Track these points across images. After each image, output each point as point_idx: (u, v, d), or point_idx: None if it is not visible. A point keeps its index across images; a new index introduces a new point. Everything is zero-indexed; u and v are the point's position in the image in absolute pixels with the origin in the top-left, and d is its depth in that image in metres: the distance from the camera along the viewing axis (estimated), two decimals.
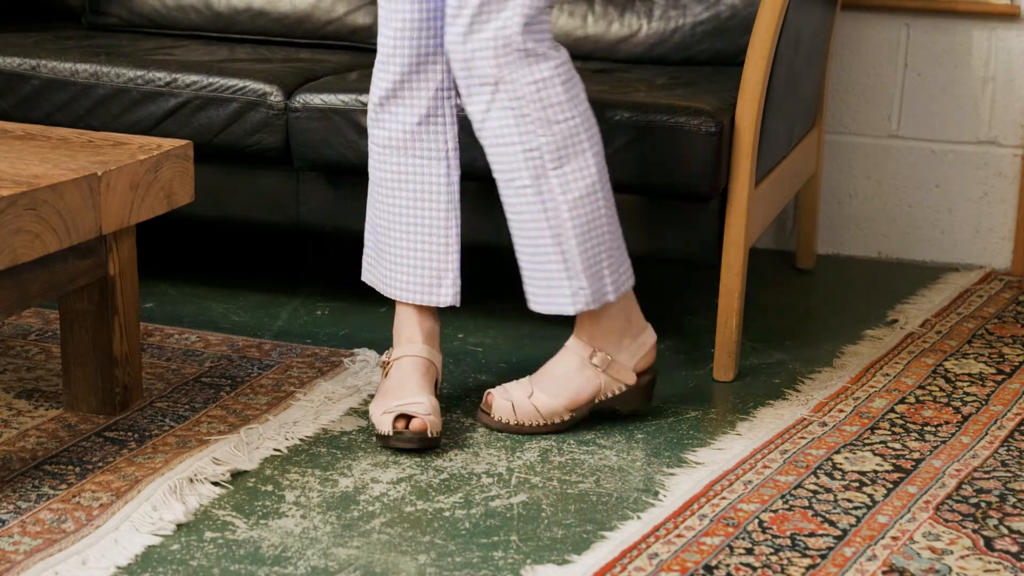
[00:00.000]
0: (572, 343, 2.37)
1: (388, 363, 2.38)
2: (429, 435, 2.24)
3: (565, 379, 2.35)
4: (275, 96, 2.71)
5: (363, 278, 2.47)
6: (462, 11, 2.21)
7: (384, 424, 2.26)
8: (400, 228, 2.37)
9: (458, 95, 2.33)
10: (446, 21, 2.24)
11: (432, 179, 2.35)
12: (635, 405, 2.40)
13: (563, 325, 2.82)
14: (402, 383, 2.32)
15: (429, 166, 2.35)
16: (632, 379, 2.38)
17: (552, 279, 2.29)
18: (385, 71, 2.33)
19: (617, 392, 2.37)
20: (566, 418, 2.36)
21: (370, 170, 2.40)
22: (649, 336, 2.39)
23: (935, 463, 2.27)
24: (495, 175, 2.28)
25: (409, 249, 2.37)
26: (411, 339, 2.38)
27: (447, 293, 2.38)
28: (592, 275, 2.28)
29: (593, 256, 2.28)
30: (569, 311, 2.30)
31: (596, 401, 2.37)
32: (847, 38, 3.36)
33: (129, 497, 2.07)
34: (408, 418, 2.25)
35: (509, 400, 2.35)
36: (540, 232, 2.26)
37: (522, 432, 2.35)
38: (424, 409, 2.26)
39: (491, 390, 2.38)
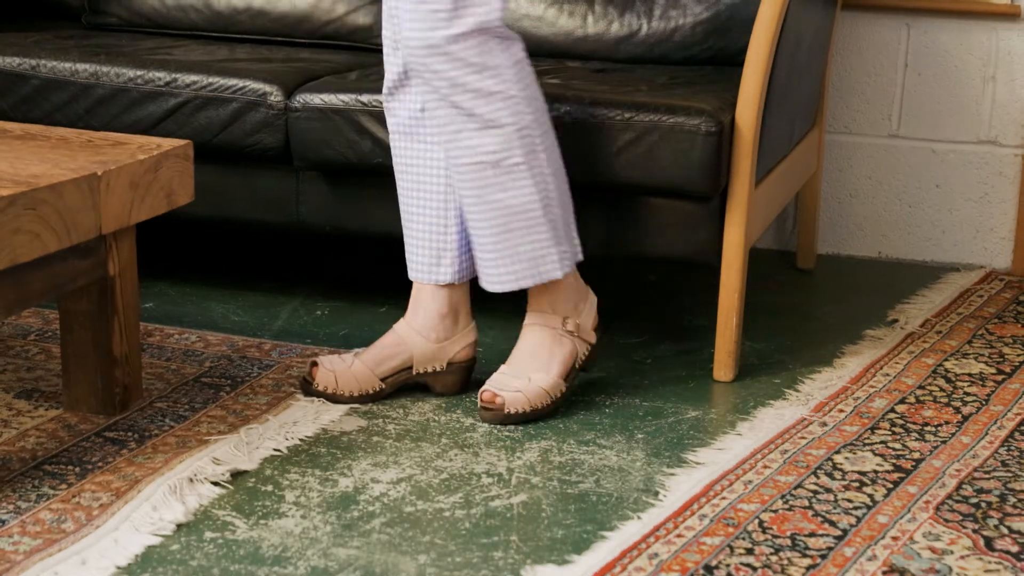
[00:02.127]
0: (539, 318, 2.45)
1: None
2: (307, 378, 2.46)
3: (547, 353, 2.43)
4: (275, 96, 2.71)
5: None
6: (439, 6, 2.25)
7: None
8: (408, 209, 2.50)
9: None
10: (406, 18, 2.29)
11: (431, 163, 2.46)
12: (594, 361, 2.54)
13: None
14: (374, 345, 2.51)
15: (429, 150, 2.46)
16: (594, 338, 2.51)
17: (537, 250, 2.38)
18: (390, 62, 2.46)
19: (585, 354, 2.49)
20: (564, 390, 2.43)
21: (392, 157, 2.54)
22: (592, 295, 2.52)
23: (935, 463, 2.27)
24: (475, 159, 2.34)
25: (414, 229, 2.49)
26: (411, 311, 2.51)
27: (445, 272, 2.49)
28: (570, 238, 2.42)
29: (569, 220, 2.42)
30: (558, 275, 2.40)
31: (576, 366, 2.47)
32: (847, 38, 3.35)
33: (129, 497, 2.07)
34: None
35: (518, 391, 2.37)
36: (530, 206, 2.36)
37: (536, 418, 2.38)
38: (328, 363, 2.45)
39: (488, 389, 2.38)
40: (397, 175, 2.50)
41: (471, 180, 2.35)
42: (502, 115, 2.30)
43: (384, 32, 2.46)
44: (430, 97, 2.31)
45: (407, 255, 2.52)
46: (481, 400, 2.39)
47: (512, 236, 2.37)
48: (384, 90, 2.48)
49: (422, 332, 2.48)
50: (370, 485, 2.16)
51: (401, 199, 2.51)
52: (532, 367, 2.42)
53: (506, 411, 2.37)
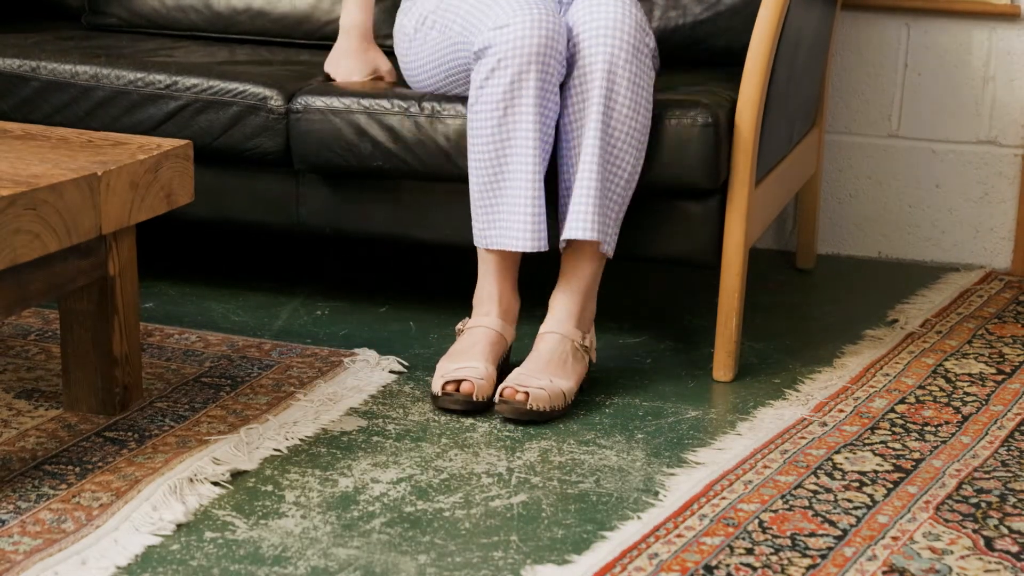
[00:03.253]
0: (560, 327, 2.48)
1: (462, 330, 2.54)
2: (474, 399, 2.39)
3: (568, 361, 2.46)
4: (275, 100, 2.71)
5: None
6: None
7: (436, 385, 2.43)
8: (534, 181, 2.46)
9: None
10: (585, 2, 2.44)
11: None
12: (583, 385, 2.52)
13: None
14: (466, 349, 2.47)
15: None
16: (595, 358, 2.53)
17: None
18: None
19: (585, 373, 2.51)
20: (571, 399, 2.45)
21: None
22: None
23: (935, 463, 2.27)
24: (619, 108, 2.43)
25: (530, 196, 2.45)
26: (487, 312, 2.51)
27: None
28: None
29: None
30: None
31: (583, 384, 2.51)
32: (847, 38, 3.36)
33: (129, 497, 2.07)
34: (459, 383, 2.40)
35: (542, 389, 2.38)
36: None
37: (549, 419, 2.39)
38: (476, 374, 2.41)
39: (510, 385, 2.38)
40: (528, 147, 2.41)
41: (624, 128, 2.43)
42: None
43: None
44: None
45: (531, 224, 2.43)
46: (501, 395, 2.38)
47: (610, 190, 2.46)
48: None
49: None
50: (370, 485, 2.16)
51: (532, 169, 2.42)
52: (553, 371, 2.43)
53: (529, 406, 2.36)
